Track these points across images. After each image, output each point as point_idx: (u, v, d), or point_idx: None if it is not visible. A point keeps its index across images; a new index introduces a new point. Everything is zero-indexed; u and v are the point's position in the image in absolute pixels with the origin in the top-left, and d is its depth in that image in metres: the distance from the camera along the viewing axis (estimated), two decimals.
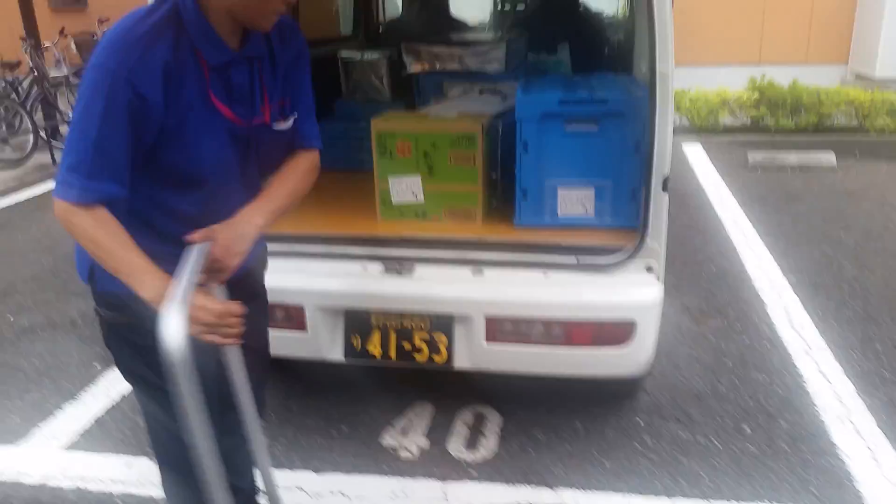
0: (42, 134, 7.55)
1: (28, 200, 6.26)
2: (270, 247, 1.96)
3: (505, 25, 4.65)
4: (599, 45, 4.13)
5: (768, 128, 7.43)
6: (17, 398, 3.04)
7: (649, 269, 2.30)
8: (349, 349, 2.46)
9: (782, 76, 7.73)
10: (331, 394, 2.95)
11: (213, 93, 1.46)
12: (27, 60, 7.88)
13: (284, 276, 2.42)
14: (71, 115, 8.01)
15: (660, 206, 2.21)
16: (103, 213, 1.38)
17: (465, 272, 2.40)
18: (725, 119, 7.57)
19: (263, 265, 1.89)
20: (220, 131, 1.50)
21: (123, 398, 3.00)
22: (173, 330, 1.24)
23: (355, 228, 2.63)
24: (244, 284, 1.67)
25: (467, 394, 2.86)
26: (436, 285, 2.39)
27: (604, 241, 2.38)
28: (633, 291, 2.28)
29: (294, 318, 2.45)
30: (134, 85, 1.33)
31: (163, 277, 1.37)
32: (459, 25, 4.32)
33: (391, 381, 2.89)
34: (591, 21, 4.22)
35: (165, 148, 1.43)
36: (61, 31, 8.54)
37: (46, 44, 8.35)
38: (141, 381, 1.66)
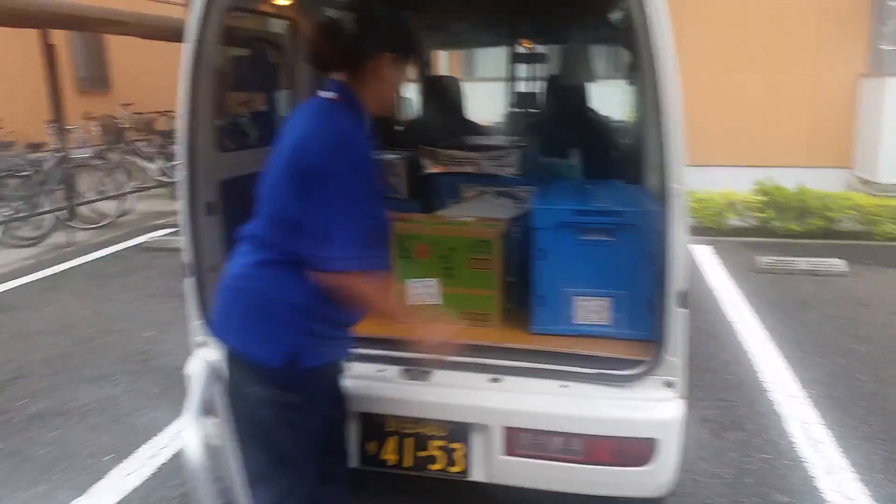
0: (60, 215, 7.70)
1: (43, 279, 6.31)
2: None
3: (518, 129, 4.80)
4: (610, 151, 4.24)
5: (776, 230, 7.53)
6: (24, 489, 3.00)
7: (669, 385, 2.29)
8: (364, 455, 2.43)
9: (786, 178, 7.89)
10: None
11: None
12: (50, 141, 8.12)
13: None
14: (106, 195, 8.20)
15: (678, 321, 2.23)
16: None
17: (482, 379, 2.40)
18: (732, 220, 7.68)
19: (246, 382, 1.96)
20: None
21: (134, 492, 2.96)
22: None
23: (371, 328, 2.64)
24: None
25: None
26: (453, 392, 2.38)
27: (622, 353, 2.39)
28: (655, 407, 2.26)
29: None
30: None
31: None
32: (474, 128, 4.46)
33: (404, 486, 2.84)
34: (602, 127, 4.35)
35: None
36: (85, 115, 8.83)
37: (70, 126, 8.62)
38: (286, 463, 1.95)
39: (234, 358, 1.89)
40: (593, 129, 4.11)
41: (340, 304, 1.86)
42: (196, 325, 2.60)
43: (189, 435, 1.28)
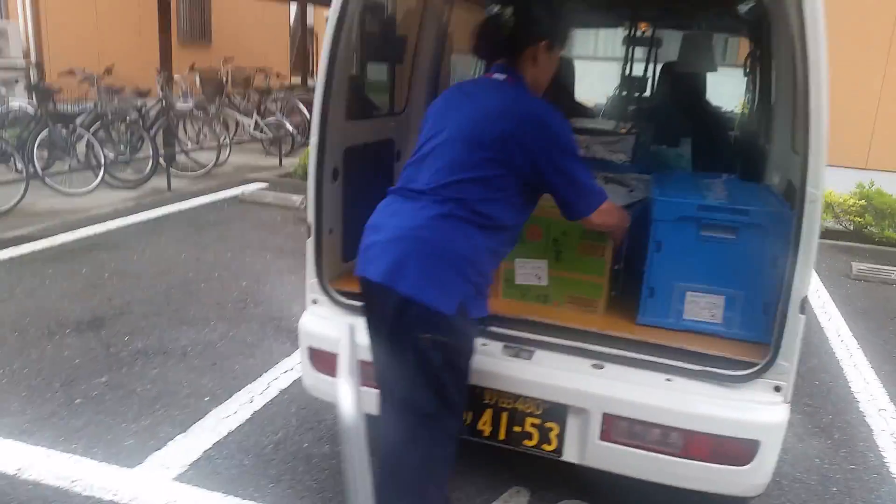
0: (161, 160, 8.02)
1: (144, 222, 6.59)
2: None
3: (627, 114, 4.72)
4: (722, 143, 4.15)
5: (872, 236, 7.23)
6: (133, 422, 3.19)
7: (777, 389, 2.26)
8: None
9: (889, 183, 7.53)
10: None
11: None
12: (157, 90, 8.43)
13: None
14: (204, 145, 8.52)
15: (796, 327, 2.19)
16: None
17: (584, 364, 2.42)
18: (828, 223, 7.41)
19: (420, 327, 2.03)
20: None
21: (230, 435, 3.11)
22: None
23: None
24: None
25: (566, 486, 2.83)
26: (555, 373, 2.41)
27: (730, 352, 2.36)
28: (762, 410, 2.24)
29: None
30: None
31: None
32: (583, 111, 4.43)
33: (491, 460, 2.90)
34: (716, 118, 4.24)
35: None
36: (191, 67, 9.11)
37: (175, 77, 8.92)
38: (451, 407, 2.10)
39: (407, 304, 1.98)
40: (706, 120, 4.02)
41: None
42: (312, 282, 2.70)
43: (344, 394, 1.35)
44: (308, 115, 11.01)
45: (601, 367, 2.39)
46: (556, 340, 2.48)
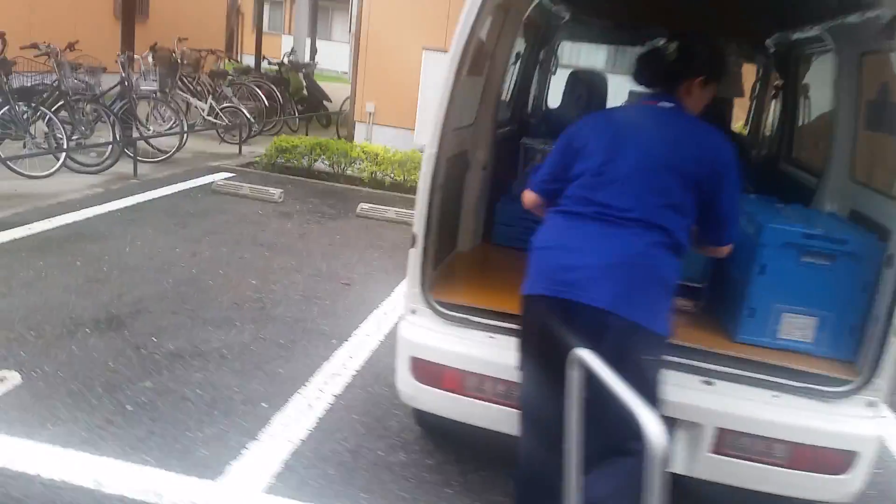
0: (121, 144, 7.64)
1: (120, 211, 6.30)
2: None
3: None
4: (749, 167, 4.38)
5: None
6: (196, 430, 3.09)
7: (871, 405, 2.47)
8: None
9: None
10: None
11: None
12: (119, 70, 8.01)
13: (512, 353, 2.56)
14: (162, 129, 8.15)
15: (892, 349, 2.40)
16: None
17: (694, 380, 2.54)
18: None
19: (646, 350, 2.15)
20: None
21: (303, 443, 3.07)
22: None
23: None
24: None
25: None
26: (667, 388, 2.52)
27: (824, 370, 2.56)
28: (860, 424, 2.43)
29: (516, 395, 2.56)
30: None
31: None
32: None
33: None
34: (740, 142, 4.46)
35: None
36: (152, 47, 8.71)
37: (136, 57, 8.51)
38: None
39: (636, 329, 2.09)
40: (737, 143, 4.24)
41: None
42: (415, 292, 2.70)
43: (652, 420, 1.44)
44: (266, 102, 10.75)
45: (712, 384, 2.53)
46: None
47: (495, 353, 2.59)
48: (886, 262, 2.43)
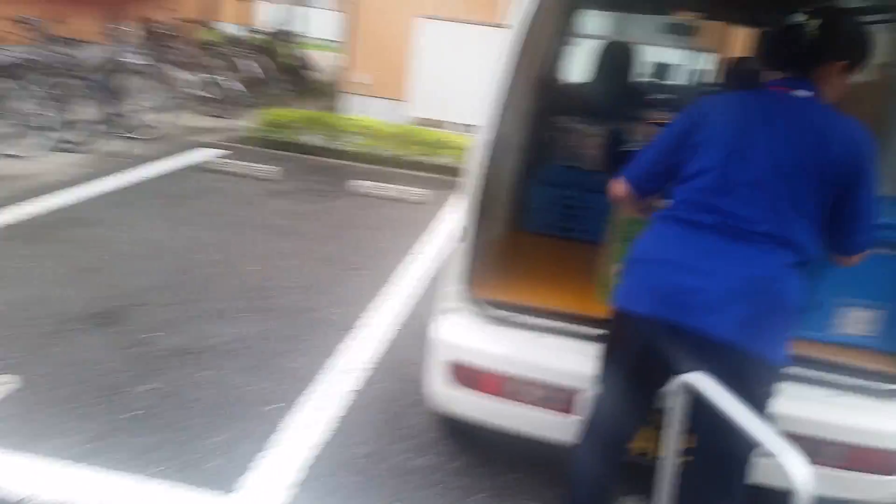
0: (107, 121, 7.35)
1: (110, 193, 6.00)
2: None
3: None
4: None
5: None
6: (208, 437, 2.89)
7: None
8: None
9: None
10: (551, 474, 2.85)
11: None
12: (106, 42, 7.67)
13: (557, 355, 2.39)
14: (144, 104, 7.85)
15: None
16: None
17: None
18: None
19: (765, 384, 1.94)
20: None
21: (324, 448, 2.90)
22: None
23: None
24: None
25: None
26: None
27: (887, 367, 2.40)
28: None
29: (560, 399, 2.40)
30: None
31: None
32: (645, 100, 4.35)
33: None
34: None
35: None
36: (144, 18, 8.35)
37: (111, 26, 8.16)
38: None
39: (758, 363, 1.87)
40: None
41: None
42: (460, 289, 2.51)
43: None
44: (262, 74, 10.43)
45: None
46: None
47: (545, 354, 2.42)
48: None
